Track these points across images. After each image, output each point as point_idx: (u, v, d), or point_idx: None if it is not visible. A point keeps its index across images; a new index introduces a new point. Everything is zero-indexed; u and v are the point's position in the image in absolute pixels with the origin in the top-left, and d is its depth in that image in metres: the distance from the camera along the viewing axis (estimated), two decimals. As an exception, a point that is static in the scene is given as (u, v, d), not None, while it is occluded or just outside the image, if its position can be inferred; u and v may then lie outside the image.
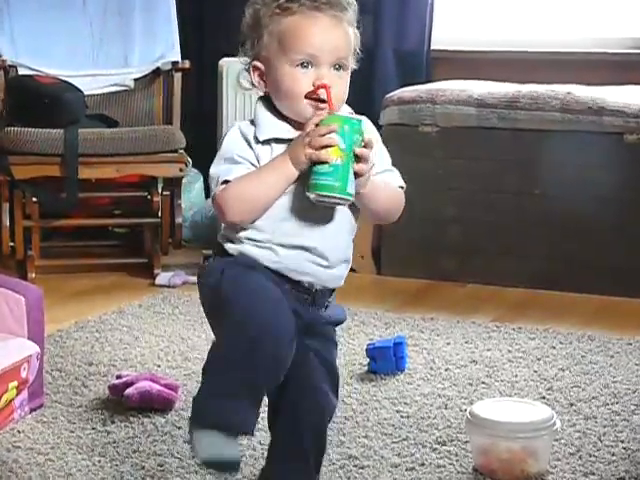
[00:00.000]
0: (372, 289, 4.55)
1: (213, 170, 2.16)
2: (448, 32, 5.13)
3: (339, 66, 2.13)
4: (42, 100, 4.58)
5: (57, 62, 4.91)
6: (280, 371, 2.13)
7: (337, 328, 2.36)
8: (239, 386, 2.09)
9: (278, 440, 2.31)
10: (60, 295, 4.26)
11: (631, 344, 3.69)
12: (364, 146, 2.09)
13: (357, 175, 2.07)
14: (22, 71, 4.83)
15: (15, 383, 2.92)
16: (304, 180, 2.08)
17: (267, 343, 2.07)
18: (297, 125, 2.16)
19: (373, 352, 3.42)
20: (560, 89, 4.46)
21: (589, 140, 4.35)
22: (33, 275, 4.54)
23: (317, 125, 2.08)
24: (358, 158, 2.07)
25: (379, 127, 4.67)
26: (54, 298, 4.00)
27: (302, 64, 2.11)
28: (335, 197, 2.06)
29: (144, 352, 3.60)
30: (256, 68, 2.18)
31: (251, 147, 2.15)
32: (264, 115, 2.18)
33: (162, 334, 3.78)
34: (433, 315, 4.05)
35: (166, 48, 5.00)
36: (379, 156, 2.24)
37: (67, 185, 4.50)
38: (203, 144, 4.87)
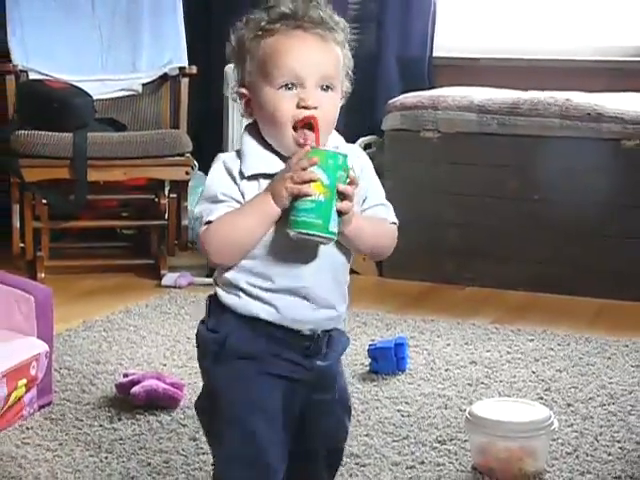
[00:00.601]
0: (374, 291, 4.55)
1: (197, 210, 2.03)
2: (450, 39, 5.13)
3: (327, 86, 1.98)
4: (52, 104, 4.58)
5: (67, 67, 4.92)
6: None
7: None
8: None
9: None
10: (69, 295, 4.26)
11: (627, 346, 3.70)
12: (349, 183, 1.93)
13: (340, 213, 1.92)
14: (32, 76, 4.84)
15: (24, 381, 2.93)
16: (286, 214, 1.93)
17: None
18: (284, 158, 2.00)
19: (374, 352, 3.42)
20: (559, 96, 4.47)
21: (588, 146, 4.35)
22: (42, 275, 4.55)
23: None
24: (342, 195, 1.91)
25: (381, 132, 4.70)
26: (63, 298, 4.00)
27: (286, 86, 1.95)
28: (316, 235, 1.91)
29: (150, 351, 3.61)
30: (242, 95, 2.04)
31: (236, 183, 2.00)
32: (251, 147, 2.03)
33: (168, 334, 3.78)
34: (433, 317, 4.06)
35: (174, 54, 5.01)
36: (373, 189, 2.11)
37: (76, 187, 4.51)
38: (209, 148, 4.87)
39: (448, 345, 3.71)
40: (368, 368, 3.43)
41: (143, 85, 5.03)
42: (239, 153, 2.03)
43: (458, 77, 4.95)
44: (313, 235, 1.91)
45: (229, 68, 4.61)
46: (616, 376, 3.41)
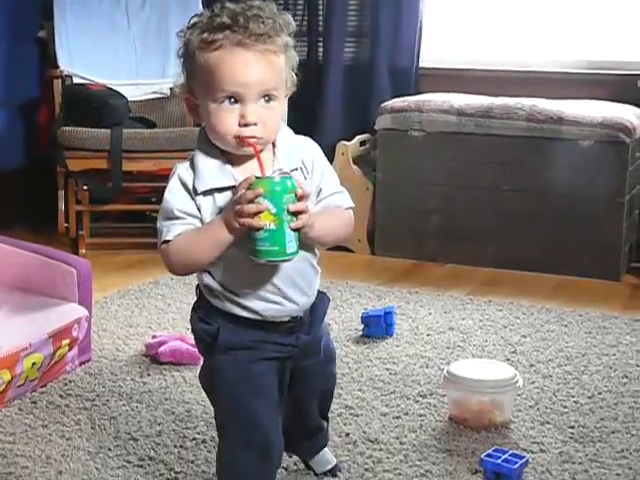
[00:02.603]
0: (367, 267, 4.55)
1: (158, 224, 1.91)
2: (434, 52, 5.11)
3: (268, 97, 1.84)
4: (93, 104, 4.58)
5: (106, 73, 4.91)
6: (278, 457, 2.06)
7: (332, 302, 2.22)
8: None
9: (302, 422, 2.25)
10: (105, 268, 4.26)
11: (582, 315, 3.69)
12: (300, 199, 1.80)
13: (300, 229, 1.80)
14: (76, 80, 4.83)
15: (67, 341, 2.93)
16: (248, 243, 1.81)
17: (266, 458, 2.01)
18: (238, 160, 1.89)
19: (367, 319, 3.42)
20: (526, 102, 4.46)
21: (550, 145, 4.35)
22: (83, 251, 4.55)
23: (248, 189, 1.78)
24: (296, 213, 1.79)
25: (373, 132, 4.69)
26: (100, 270, 4.00)
27: (228, 100, 1.82)
28: (277, 261, 1.82)
29: (175, 317, 3.61)
30: (187, 100, 1.92)
31: (192, 198, 1.88)
32: (203, 161, 1.90)
33: (190, 301, 3.74)
34: (418, 289, 4.05)
35: (197, 62, 4.99)
36: (327, 179, 1.99)
37: (113, 176, 4.50)
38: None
39: (430, 314, 3.71)
40: (361, 333, 3.42)
41: (170, 89, 5.02)
42: (193, 164, 1.91)
43: (440, 84, 4.93)
44: (274, 261, 1.82)
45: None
46: (572, 341, 3.41)
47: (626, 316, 3.72)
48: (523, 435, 2.61)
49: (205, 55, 1.82)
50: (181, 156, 4.53)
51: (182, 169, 1.92)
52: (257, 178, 1.79)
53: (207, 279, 1.96)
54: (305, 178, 1.95)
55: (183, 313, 3.63)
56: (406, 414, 2.74)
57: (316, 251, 2.01)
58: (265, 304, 1.94)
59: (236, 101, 1.83)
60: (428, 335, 3.45)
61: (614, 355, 3.27)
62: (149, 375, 3.01)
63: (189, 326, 3.47)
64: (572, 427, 2.67)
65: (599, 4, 4.85)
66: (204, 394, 2.83)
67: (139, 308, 3.71)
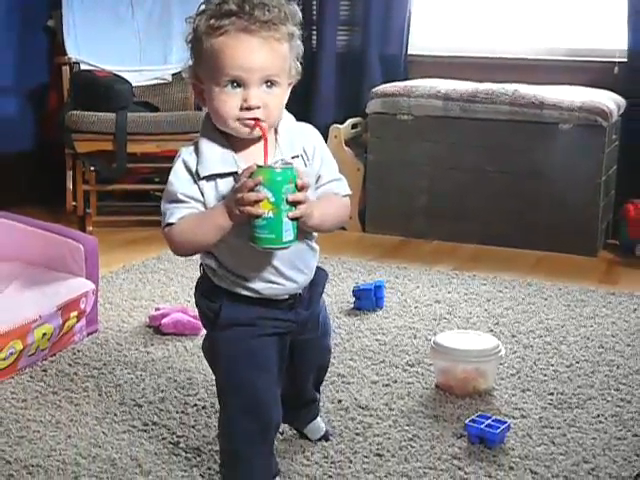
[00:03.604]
0: (358, 243, 4.54)
1: (162, 207, 1.89)
2: (422, 40, 5.10)
3: (270, 83, 1.80)
4: (99, 90, 4.57)
5: (111, 60, 4.89)
6: (276, 427, 2.05)
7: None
8: (244, 449, 2.00)
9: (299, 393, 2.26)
10: (111, 244, 4.26)
11: (561, 289, 3.70)
12: (300, 189, 1.77)
13: (298, 218, 1.78)
14: (83, 67, 4.81)
15: (76, 313, 2.93)
16: (247, 229, 1.79)
17: (266, 428, 1.99)
18: (240, 144, 1.86)
19: (358, 293, 3.42)
20: (509, 87, 4.45)
21: (532, 128, 4.34)
22: (90, 228, 4.54)
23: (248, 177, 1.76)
24: (295, 203, 1.77)
25: (365, 115, 4.68)
26: (107, 246, 4.00)
27: (231, 84, 1.78)
28: (273, 248, 1.80)
29: (177, 290, 3.61)
30: (194, 85, 1.88)
31: (195, 182, 1.85)
32: (206, 146, 1.87)
33: (191, 276, 3.78)
34: (406, 265, 4.05)
35: (198, 50, 4.98)
36: (326, 166, 1.96)
37: (118, 157, 4.49)
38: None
39: (417, 287, 3.72)
40: (352, 305, 3.42)
41: (172, 75, 5.01)
42: (197, 148, 1.88)
43: (428, 71, 4.92)
44: (271, 248, 1.80)
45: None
46: (551, 313, 3.42)
47: (602, 290, 3.73)
48: (505, 402, 2.62)
49: (211, 40, 1.80)
50: (183, 138, 4.61)
51: (186, 154, 1.88)
52: (258, 167, 1.76)
53: (209, 261, 1.95)
54: (305, 165, 1.92)
55: (185, 287, 3.63)
56: (395, 382, 2.74)
57: (313, 233, 1.99)
58: (265, 284, 1.92)
59: (239, 85, 1.79)
60: (416, 308, 3.45)
61: (591, 326, 3.28)
62: (152, 345, 3.01)
63: (190, 299, 3.48)
64: (551, 394, 2.68)
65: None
66: (205, 363, 2.83)
67: (143, 282, 3.71)
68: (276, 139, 1.91)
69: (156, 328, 3.12)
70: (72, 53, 4.82)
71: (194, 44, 1.86)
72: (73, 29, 4.89)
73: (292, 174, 1.77)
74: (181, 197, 1.86)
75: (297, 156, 1.92)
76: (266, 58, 1.79)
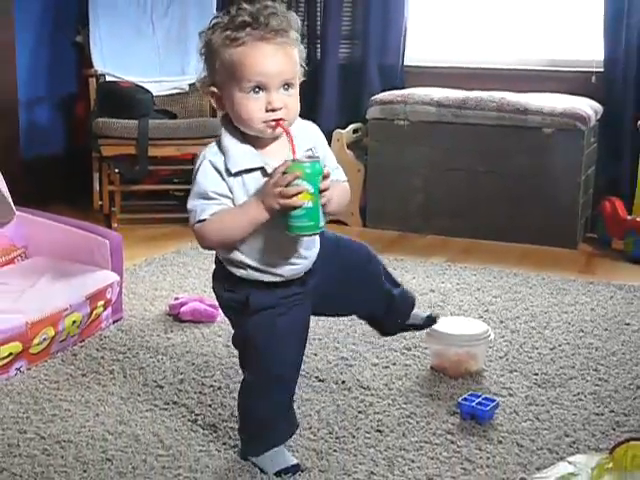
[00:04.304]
0: (359, 237, 4.49)
1: (190, 204, 1.88)
2: (417, 52, 5.09)
3: (287, 86, 1.82)
4: (123, 99, 4.56)
5: (134, 71, 4.89)
6: (294, 384, 2.07)
7: None
8: (280, 412, 2.05)
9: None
10: (135, 240, 4.26)
11: (544, 279, 3.70)
12: (324, 178, 1.79)
13: (324, 205, 1.81)
14: (108, 78, 4.80)
15: (102, 302, 2.93)
16: (281, 219, 1.80)
17: (292, 383, 2.03)
18: (260, 143, 1.86)
19: (359, 283, 3.41)
20: (496, 95, 4.44)
21: (517, 132, 4.33)
22: (115, 225, 4.54)
23: (283, 173, 1.77)
24: (323, 190, 1.79)
25: (365, 121, 4.67)
26: (130, 242, 4.00)
27: (253, 90, 1.79)
28: (310, 234, 1.83)
29: (195, 281, 3.61)
30: (213, 93, 1.87)
31: (223, 179, 1.84)
32: (231, 143, 1.86)
33: (207, 268, 3.77)
34: (403, 257, 4.05)
35: (212, 62, 4.98)
36: (328, 157, 1.98)
37: (140, 160, 4.49)
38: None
39: (413, 278, 3.71)
40: (354, 294, 3.42)
41: (189, 85, 5.00)
42: (220, 146, 1.87)
43: (422, 80, 4.91)
44: (308, 234, 1.82)
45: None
46: (536, 301, 3.41)
47: (582, 279, 3.72)
48: (494, 382, 2.61)
49: (230, 51, 1.80)
50: (199, 143, 4.62)
51: (211, 154, 1.87)
52: (293, 162, 1.77)
53: (232, 255, 1.93)
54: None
55: (201, 278, 3.63)
56: (394, 364, 2.74)
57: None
58: (289, 267, 1.94)
59: (260, 89, 1.80)
60: (412, 296, 3.45)
61: (572, 313, 3.27)
62: (172, 331, 3.01)
63: (206, 289, 3.49)
64: (536, 374, 2.67)
65: (559, 10, 4.83)
66: (220, 348, 2.84)
67: (163, 274, 3.71)
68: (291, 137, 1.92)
69: (175, 316, 3.12)
70: (98, 66, 4.82)
71: (208, 56, 1.86)
72: (99, 44, 4.89)
73: (319, 166, 1.79)
74: (211, 194, 1.85)
75: (309, 149, 1.93)
76: (283, 63, 1.81)
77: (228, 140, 1.87)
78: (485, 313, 3.26)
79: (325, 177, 1.80)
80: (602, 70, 4.61)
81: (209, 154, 1.87)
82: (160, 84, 4.96)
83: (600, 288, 3.58)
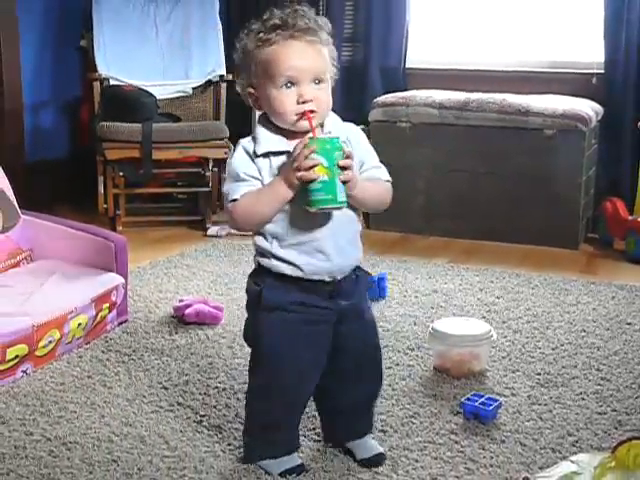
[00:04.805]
0: (363, 239, 4.53)
1: (225, 187, 1.95)
2: (418, 55, 5.09)
3: (318, 80, 1.90)
4: (126, 103, 4.57)
5: (137, 75, 4.89)
6: (304, 405, 2.07)
7: None
8: (278, 424, 2.04)
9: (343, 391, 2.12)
10: (139, 242, 4.26)
11: (546, 279, 3.70)
12: (346, 157, 1.86)
13: (345, 182, 1.85)
14: (112, 82, 4.81)
15: (107, 304, 2.94)
16: (302, 195, 1.86)
17: (300, 399, 2.02)
18: (292, 135, 1.93)
19: (362, 284, 3.42)
20: (497, 97, 4.44)
21: (518, 134, 4.33)
22: (120, 228, 4.54)
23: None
24: (343, 168, 1.84)
25: (367, 123, 4.67)
26: (135, 244, 4.00)
27: (286, 85, 1.88)
28: (330, 208, 1.85)
29: (199, 283, 3.61)
30: (250, 94, 1.96)
31: (253, 161, 1.92)
32: (261, 131, 1.95)
33: (211, 271, 3.78)
34: (406, 258, 4.05)
35: (215, 65, 4.98)
36: (368, 155, 2.03)
37: (144, 163, 4.49)
38: (241, 134, 4.84)
39: (416, 279, 3.71)
40: (358, 295, 3.42)
41: (193, 88, 5.00)
42: (254, 138, 1.96)
43: (424, 82, 4.92)
44: (327, 208, 1.86)
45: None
46: (538, 301, 3.41)
47: (584, 279, 3.72)
48: (497, 381, 2.61)
49: (263, 51, 1.89)
50: (203, 146, 4.61)
51: (245, 142, 1.97)
52: (310, 139, 1.85)
53: (260, 242, 1.96)
54: None
55: (205, 280, 3.63)
56: (397, 365, 2.74)
57: (358, 218, 2.04)
58: (307, 258, 1.94)
59: (292, 84, 1.88)
60: (415, 297, 3.45)
61: (574, 312, 3.27)
62: (177, 333, 3.01)
63: (210, 291, 3.50)
64: (538, 374, 2.67)
65: (560, 12, 4.84)
66: (224, 349, 2.84)
67: (168, 276, 3.71)
68: (322, 132, 1.96)
69: (180, 318, 3.12)
70: (102, 70, 4.82)
71: (245, 59, 1.95)
72: (103, 48, 4.90)
73: (339, 143, 1.86)
74: (243, 176, 1.92)
75: (333, 135, 1.96)
76: (312, 58, 1.90)
77: (261, 131, 1.96)
78: (487, 313, 3.26)
79: (348, 157, 1.86)
80: (602, 71, 4.62)
81: (243, 142, 1.97)
82: (163, 88, 4.96)
83: (602, 288, 3.58)
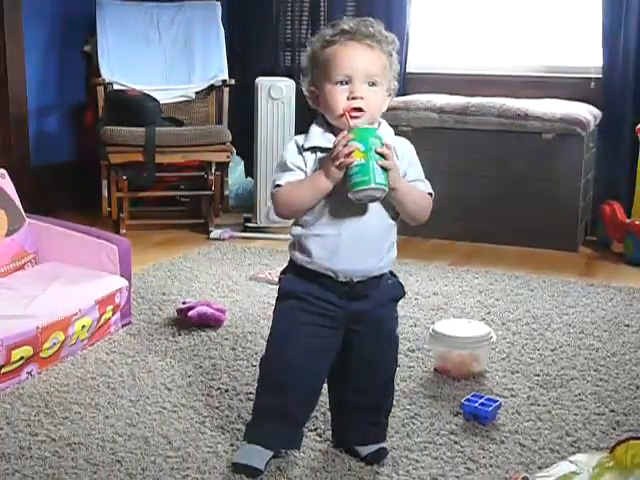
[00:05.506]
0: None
1: (274, 176, 2.02)
2: (418, 60, 5.10)
3: (372, 83, 1.95)
4: (130, 107, 4.57)
5: (141, 80, 4.90)
6: (312, 404, 2.08)
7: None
8: (278, 414, 2.04)
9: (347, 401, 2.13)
10: (143, 245, 4.26)
11: (545, 282, 3.70)
12: (385, 146, 1.89)
13: (384, 169, 1.88)
14: (116, 87, 4.82)
15: (111, 307, 2.94)
16: (345, 184, 1.89)
17: (298, 389, 2.03)
18: (340, 133, 1.95)
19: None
20: (497, 101, 4.45)
21: (518, 138, 4.34)
22: (124, 231, 4.54)
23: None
24: (382, 156, 1.88)
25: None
26: (138, 247, 4.01)
27: (340, 82, 1.93)
28: (368, 189, 1.87)
29: (202, 285, 3.61)
30: (311, 92, 2.02)
31: (300, 153, 1.98)
32: (313, 129, 2.01)
33: (214, 273, 3.78)
34: (407, 261, 4.05)
35: (218, 70, 4.99)
36: (412, 168, 2.07)
37: (147, 167, 4.49)
38: (243, 138, 4.87)
39: (417, 281, 3.71)
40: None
41: (196, 93, 5.01)
42: (306, 133, 2.02)
43: (425, 87, 4.92)
44: (365, 189, 1.88)
45: (258, 80, 4.60)
46: (537, 303, 3.41)
47: (582, 281, 3.72)
48: (496, 383, 2.62)
49: (326, 51, 1.96)
50: (206, 149, 4.61)
51: (298, 137, 2.03)
52: (348, 129, 1.90)
53: (294, 229, 2.03)
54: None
55: (208, 282, 3.63)
56: (398, 366, 2.72)
57: (393, 224, 2.12)
58: (323, 252, 1.98)
59: (346, 82, 1.93)
60: (416, 299, 3.45)
61: (572, 314, 3.28)
62: (180, 335, 3.02)
63: (213, 293, 3.50)
64: (537, 375, 2.68)
65: (559, 18, 4.84)
66: (227, 351, 2.85)
67: (171, 279, 3.71)
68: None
69: (183, 320, 3.13)
70: (106, 75, 4.83)
71: (311, 59, 2.01)
72: (107, 53, 4.91)
73: (376, 132, 1.91)
74: (290, 165, 1.98)
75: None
76: (369, 61, 1.95)
77: (314, 128, 2.02)
78: (487, 315, 3.26)
79: (386, 146, 1.89)
80: (601, 76, 4.62)
81: (297, 137, 2.03)
82: (167, 92, 4.97)
83: (600, 290, 3.59)
